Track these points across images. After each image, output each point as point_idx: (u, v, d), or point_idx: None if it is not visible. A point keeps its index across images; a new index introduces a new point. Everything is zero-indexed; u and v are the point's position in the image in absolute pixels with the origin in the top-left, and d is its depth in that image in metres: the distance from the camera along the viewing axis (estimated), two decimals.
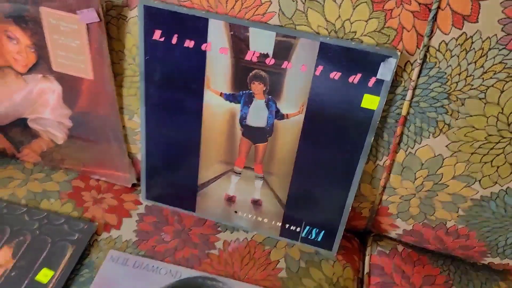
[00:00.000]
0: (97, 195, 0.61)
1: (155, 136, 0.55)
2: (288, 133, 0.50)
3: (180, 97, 0.51)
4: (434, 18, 0.40)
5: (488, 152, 0.45)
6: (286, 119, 0.49)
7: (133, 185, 0.62)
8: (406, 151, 0.48)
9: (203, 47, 0.47)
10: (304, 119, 0.48)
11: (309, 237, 0.56)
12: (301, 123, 0.49)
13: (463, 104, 0.43)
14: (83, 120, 0.57)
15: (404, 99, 0.45)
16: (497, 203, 0.48)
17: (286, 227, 0.57)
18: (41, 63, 0.53)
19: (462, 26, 0.40)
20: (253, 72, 0.47)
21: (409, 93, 0.45)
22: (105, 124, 0.56)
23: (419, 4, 0.40)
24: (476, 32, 0.40)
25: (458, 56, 0.41)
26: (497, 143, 0.44)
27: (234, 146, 0.53)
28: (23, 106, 0.58)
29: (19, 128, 0.61)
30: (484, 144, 0.45)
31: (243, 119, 0.50)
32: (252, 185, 0.55)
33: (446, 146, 0.46)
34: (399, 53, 0.42)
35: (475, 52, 0.40)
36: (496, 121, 0.43)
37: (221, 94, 0.49)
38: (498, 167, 0.46)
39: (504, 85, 0.41)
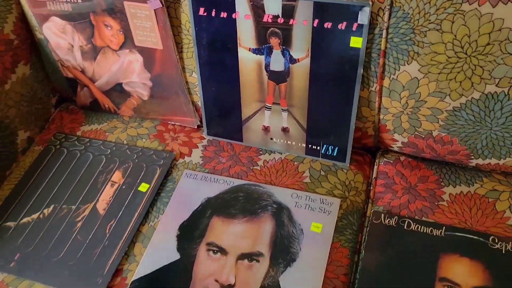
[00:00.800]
0: (174, 135, 0.84)
1: (208, 87, 0.75)
2: (300, 73, 0.67)
3: (222, 55, 0.70)
4: None
5: (451, 71, 0.58)
6: (298, 63, 0.66)
7: (198, 126, 0.84)
8: (390, 77, 0.63)
9: (233, 16, 0.65)
10: (310, 61, 0.65)
11: (327, 153, 0.74)
12: (308, 64, 0.66)
13: (425, 36, 0.57)
14: (159, 80, 0.79)
15: (381, 37, 0.60)
16: (467, 111, 0.61)
17: (309, 147, 0.75)
18: (127, 41, 0.76)
19: None
20: (270, 30, 0.65)
21: (384, 32, 0.59)
22: (173, 81, 0.78)
23: None
24: None
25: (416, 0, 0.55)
26: (456, 63, 0.57)
27: (263, 88, 0.71)
28: (118, 74, 0.82)
29: (117, 91, 0.85)
30: (446, 65, 0.58)
31: (267, 66, 0.69)
32: (280, 117, 0.73)
33: (419, 70, 0.60)
34: (371, 3, 0.57)
35: None
36: (452, 46, 0.56)
37: (249, 49, 0.68)
38: (461, 82, 0.59)
39: (453, 17, 0.55)
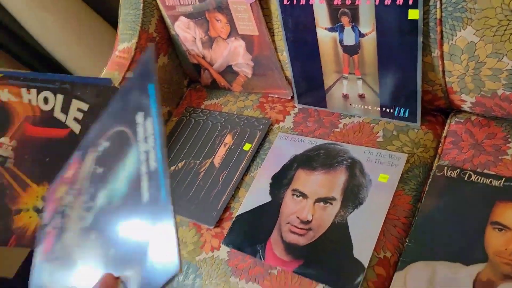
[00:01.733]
0: (272, 105, 1.01)
1: (296, 63, 0.90)
2: (369, 45, 0.77)
3: (304, 35, 0.84)
4: None
5: (503, 33, 0.63)
6: (366, 36, 0.77)
7: (291, 97, 1.00)
8: (449, 43, 0.69)
9: (310, 2, 0.79)
10: (376, 34, 0.75)
11: (399, 115, 0.83)
12: (375, 37, 0.76)
13: (476, 3, 0.63)
14: (258, 60, 0.97)
15: (436, 8, 0.67)
16: None
17: (383, 110, 0.84)
18: (232, 31, 0.96)
19: None
20: (340, 10, 0.77)
21: (438, 2, 0.66)
22: (269, 60, 0.95)
23: None
24: None
25: None
26: (507, 25, 0.62)
27: (339, 60, 0.83)
28: (228, 58, 1.03)
29: (229, 71, 1.06)
30: (498, 28, 0.63)
31: (341, 41, 0.81)
32: (356, 85, 0.85)
33: (474, 34, 0.66)
34: None
35: None
36: (501, 10, 0.61)
37: (325, 29, 0.81)
38: None
39: None
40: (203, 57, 1.08)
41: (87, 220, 0.49)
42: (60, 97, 0.86)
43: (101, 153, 0.52)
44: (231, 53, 1.01)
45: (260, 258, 0.77)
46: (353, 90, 0.86)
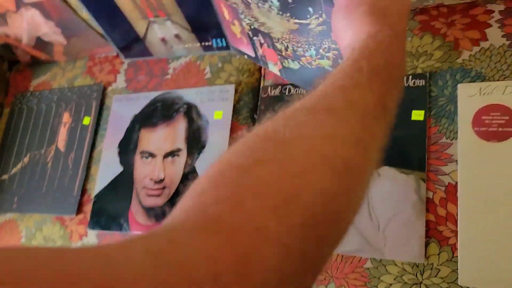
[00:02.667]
0: (100, 67, 0.94)
1: (101, 18, 0.82)
2: None
3: None
4: None
5: None
6: None
7: (117, 54, 0.93)
8: None
9: None
10: None
11: (219, 46, 0.81)
12: None
13: None
14: (62, 24, 0.87)
15: None
16: None
17: (203, 44, 0.82)
18: (18, 0, 0.83)
19: None
20: None
21: None
22: (73, 22, 0.86)
23: None
24: None
25: None
26: None
27: (138, 5, 0.77)
28: (31, 30, 0.91)
29: (42, 43, 0.95)
30: None
31: None
32: (166, 26, 0.80)
33: None
34: None
35: None
36: None
37: None
38: None
39: None
40: (7, 36, 0.95)
41: None
42: None
43: None
44: (31, 23, 0.89)
45: (126, 230, 0.77)
46: (167, 32, 0.82)
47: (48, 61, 1.01)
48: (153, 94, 0.85)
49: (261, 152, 0.25)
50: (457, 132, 0.61)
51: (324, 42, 0.57)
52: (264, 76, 0.78)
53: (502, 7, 0.64)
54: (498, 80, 0.61)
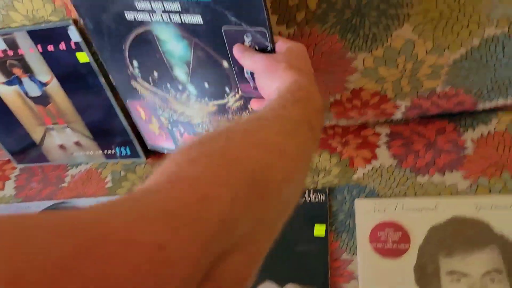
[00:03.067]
0: None
1: None
2: (58, 93, 0.69)
3: None
4: None
5: (446, 24, 0.56)
6: (49, 85, 0.68)
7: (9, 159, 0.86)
8: (383, 46, 0.58)
9: None
10: (58, 82, 0.67)
11: (122, 154, 0.78)
12: (59, 84, 0.68)
13: None
14: None
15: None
16: (468, 61, 0.60)
17: (105, 152, 0.78)
18: None
19: None
20: (7, 62, 0.66)
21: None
22: None
23: None
24: None
25: None
26: (450, 14, 0.55)
27: (36, 112, 0.73)
28: None
29: None
30: (440, 20, 0.55)
31: (26, 93, 0.70)
32: (66, 133, 0.76)
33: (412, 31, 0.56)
34: (72, 22, 0.59)
35: None
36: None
37: (3, 83, 0.69)
38: (458, 33, 0.57)
39: None
40: None
41: None
42: None
43: None
44: None
45: None
46: (66, 139, 0.77)
47: None
48: (46, 204, 0.77)
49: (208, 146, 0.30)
50: (357, 247, 0.62)
51: (243, 115, 0.60)
52: None
53: (388, 130, 0.71)
54: (389, 197, 0.65)
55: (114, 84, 0.66)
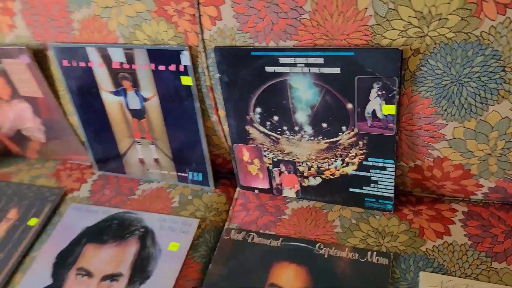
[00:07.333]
0: (70, 172, 0.92)
1: (87, 128, 0.84)
2: (154, 109, 0.75)
3: (90, 98, 0.79)
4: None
5: None
6: (149, 101, 0.75)
7: (91, 163, 0.92)
8: (477, 119, 0.57)
9: (89, 64, 0.75)
10: (159, 99, 0.74)
11: (194, 179, 0.81)
12: (158, 102, 0.74)
13: None
14: (49, 124, 0.88)
15: (205, 75, 0.68)
16: None
17: (179, 175, 0.82)
18: (14, 92, 0.85)
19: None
20: (120, 74, 0.74)
21: (206, 71, 0.68)
22: (60, 124, 0.87)
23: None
24: None
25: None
26: None
27: (129, 124, 0.80)
28: (16, 122, 0.91)
29: (19, 137, 0.94)
30: None
31: (127, 105, 0.77)
32: (149, 149, 0.81)
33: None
34: (188, 47, 0.66)
35: None
36: None
37: (110, 92, 0.77)
38: None
39: None
40: None
41: None
42: None
43: None
44: (18, 116, 0.90)
45: None
46: (148, 155, 0.83)
47: (18, 155, 0.99)
48: (113, 210, 0.81)
49: None
50: None
51: (351, 151, 0.64)
52: (230, 219, 0.76)
53: (465, 209, 0.68)
54: (459, 277, 0.61)
55: (228, 130, 0.72)
